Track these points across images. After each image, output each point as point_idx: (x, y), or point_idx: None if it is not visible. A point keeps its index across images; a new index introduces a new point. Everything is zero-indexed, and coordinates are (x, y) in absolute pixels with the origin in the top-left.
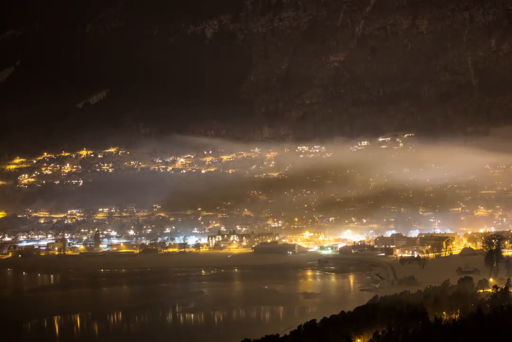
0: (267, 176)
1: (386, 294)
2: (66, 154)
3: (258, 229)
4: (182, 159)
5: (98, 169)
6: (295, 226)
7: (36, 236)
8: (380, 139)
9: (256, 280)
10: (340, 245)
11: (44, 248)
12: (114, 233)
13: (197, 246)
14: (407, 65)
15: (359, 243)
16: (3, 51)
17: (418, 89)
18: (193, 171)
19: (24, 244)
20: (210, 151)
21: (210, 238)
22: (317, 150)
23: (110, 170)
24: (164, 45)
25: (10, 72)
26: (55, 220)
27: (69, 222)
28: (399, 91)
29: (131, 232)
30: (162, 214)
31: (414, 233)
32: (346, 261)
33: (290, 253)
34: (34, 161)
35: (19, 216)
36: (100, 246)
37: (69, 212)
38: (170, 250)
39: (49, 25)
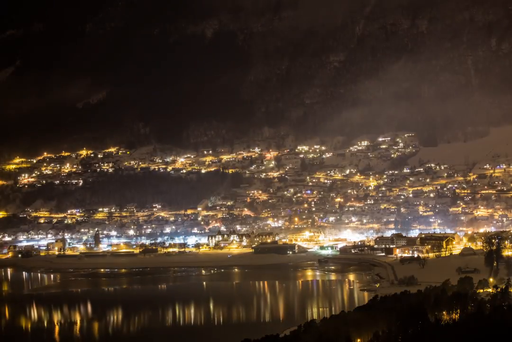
0: (267, 176)
1: (386, 294)
2: (66, 154)
3: (258, 229)
4: (182, 159)
5: (98, 169)
6: (295, 226)
7: (36, 236)
8: (380, 139)
9: (256, 280)
10: (340, 245)
11: (44, 247)
12: (114, 233)
13: (197, 246)
14: (407, 65)
15: (359, 243)
16: (3, 51)
17: (418, 89)
18: (193, 170)
19: (24, 243)
20: (210, 151)
21: (210, 238)
22: (317, 150)
23: (110, 170)
24: (164, 45)
25: (10, 72)
26: (55, 220)
27: (69, 222)
28: (399, 91)
29: (131, 232)
30: (162, 214)
31: (414, 233)
32: (346, 261)
33: (290, 253)
34: (34, 161)
35: (19, 216)
36: (100, 245)
37: (69, 212)
38: (170, 249)
39: (49, 25)
